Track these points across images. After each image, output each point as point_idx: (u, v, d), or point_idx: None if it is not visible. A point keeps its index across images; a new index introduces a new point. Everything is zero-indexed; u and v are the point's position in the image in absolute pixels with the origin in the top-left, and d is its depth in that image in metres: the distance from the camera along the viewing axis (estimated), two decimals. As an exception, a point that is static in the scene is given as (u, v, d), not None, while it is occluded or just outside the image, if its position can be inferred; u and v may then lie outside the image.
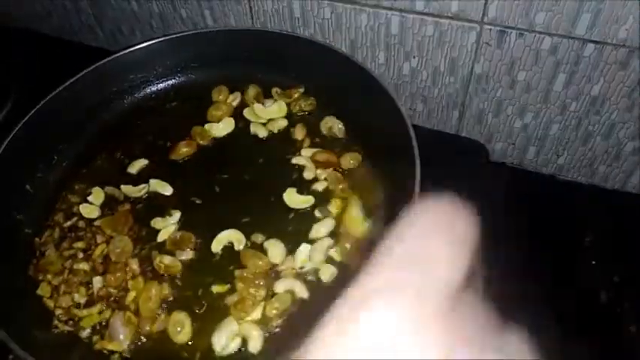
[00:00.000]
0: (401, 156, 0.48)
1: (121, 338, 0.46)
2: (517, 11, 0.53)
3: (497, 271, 0.55)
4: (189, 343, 0.46)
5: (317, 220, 0.52)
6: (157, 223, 0.53)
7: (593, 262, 0.58)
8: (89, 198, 0.56)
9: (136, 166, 0.58)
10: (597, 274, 0.57)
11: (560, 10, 0.51)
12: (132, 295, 0.48)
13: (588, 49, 0.53)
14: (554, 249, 0.59)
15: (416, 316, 0.15)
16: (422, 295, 0.15)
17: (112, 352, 0.46)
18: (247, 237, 0.51)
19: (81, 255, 0.51)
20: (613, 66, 0.54)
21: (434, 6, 0.56)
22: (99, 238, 0.52)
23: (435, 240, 0.17)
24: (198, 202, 0.55)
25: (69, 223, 0.53)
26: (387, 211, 0.51)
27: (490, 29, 0.55)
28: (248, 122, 0.61)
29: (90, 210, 0.54)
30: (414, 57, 0.62)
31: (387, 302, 0.15)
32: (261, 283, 0.48)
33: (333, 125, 0.59)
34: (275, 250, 0.50)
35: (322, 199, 0.54)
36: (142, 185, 0.56)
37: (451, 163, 0.60)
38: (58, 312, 0.47)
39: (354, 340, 0.15)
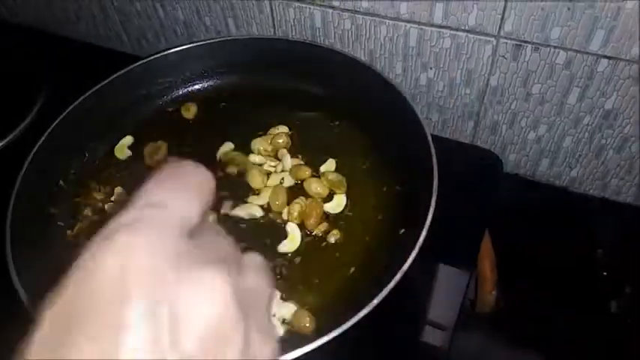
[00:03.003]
0: (418, 163, 0.50)
1: None
2: (533, 26, 0.54)
3: (510, 281, 0.57)
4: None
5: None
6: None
7: (605, 274, 0.59)
8: (113, 198, 0.58)
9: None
10: (608, 285, 0.58)
11: (575, 26, 0.53)
12: None
13: (602, 64, 0.55)
14: (565, 260, 0.59)
15: (158, 242, 0.18)
16: (163, 225, 0.19)
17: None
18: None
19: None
20: (626, 81, 0.55)
21: (452, 19, 0.58)
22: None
23: (175, 189, 0.21)
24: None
25: (97, 217, 0.55)
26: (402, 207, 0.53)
27: (506, 43, 0.57)
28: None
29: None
30: (430, 68, 0.64)
31: (133, 231, 0.18)
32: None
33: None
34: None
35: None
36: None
37: (466, 172, 0.61)
38: None
39: (103, 269, 0.17)
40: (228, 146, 0.62)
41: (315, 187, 0.56)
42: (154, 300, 0.17)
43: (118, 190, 0.58)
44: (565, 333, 0.55)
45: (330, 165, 0.59)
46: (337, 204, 0.56)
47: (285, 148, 0.61)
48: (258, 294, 0.21)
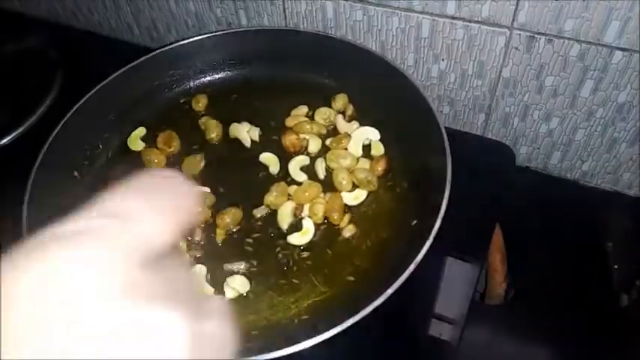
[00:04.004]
0: (431, 155, 0.50)
1: None
2: (547, 17, 0.54)
3: (521, 274, 0.57)
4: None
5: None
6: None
7: (615, 267, 0.59)
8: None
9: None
10: (619, 279, 0.58)
11: (589, 17, 0.52)
12: None
13: (616, 57, 0.54)
14: (576, 253, 0.59)
15: (104, 262, 0.15)
16: (117, 243, 0.15)
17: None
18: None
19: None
20: (641, 73, 0.54)
21: (464, 10, 0.57)
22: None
23: (145, 202, 0.17)
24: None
25: None
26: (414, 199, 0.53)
27: (519, 34, 0.57)
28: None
29: None
30: (442, 59, 0.63)
31: (73, 244, 0.15)
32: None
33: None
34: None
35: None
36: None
37: (477, 164, 0.61)
38: None
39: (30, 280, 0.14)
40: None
41: (342, 178, 0.56)
42: (100, 336, 0.14)
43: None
44: (575, 326, 0.55)
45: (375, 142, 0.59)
46: (356, 197, 0.56)
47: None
48: (217, 342, 0.18)
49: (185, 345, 0.15)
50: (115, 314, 0.14)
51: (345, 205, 0.55)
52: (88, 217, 0.16)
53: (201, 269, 0.51)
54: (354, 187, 0.57)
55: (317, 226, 0.54)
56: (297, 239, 0.53)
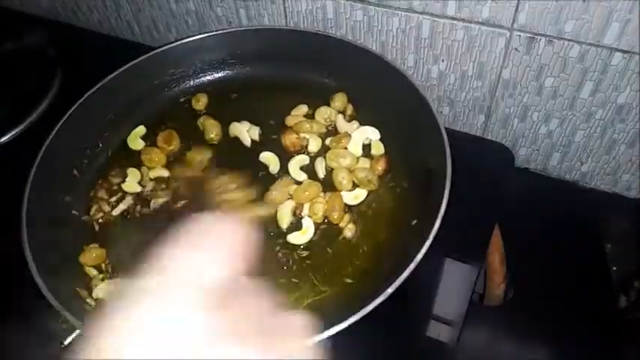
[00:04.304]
0: (431, 155, 0.50)
1: None
2: (547, 19, 0.54)
3: (520, 275, 0.57)
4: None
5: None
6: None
7: (614, 268, 0.59)
8: (127, 179, 0.59)
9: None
10: (617, 280, 0.58)
11: (589, 19, 0.52)
12: None
13: (616, 58, 0.54)
14: (575, 254, 0.59)
15: (183, 310, 0.17)
16: (183, 295, 0.18)
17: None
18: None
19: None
20: (640, 75, 0.54)
21: (465, 11, 0.57)
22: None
23: (205, 248, 0.20)
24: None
25: (114, 198, 0.57)
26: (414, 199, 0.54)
27: (519, 35, 0.57)
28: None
29: (132, 186, 0.59)
30: (442, 60, 0.63)
31: (158, 300, 0.18)
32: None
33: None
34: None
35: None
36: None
37: (476, 165, 0.61)
38: None
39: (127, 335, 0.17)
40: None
41: (342, 177, 0.56)
42: None
43: (130, 170, 0.59)
44: (573, 327, 0.55)
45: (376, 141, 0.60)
46: (356, 196, 0.56)
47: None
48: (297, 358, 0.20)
49: None
50: (198, 352, 0.17)
51: (345, 204, 0.55)
52: (162, 269, 0.19)
53: None
54: (354, 186, 0.57)
55: (317, 225, 0.54)
56: (296, 238, 0.53)
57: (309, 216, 0.55)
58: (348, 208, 0.55)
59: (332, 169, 0.58)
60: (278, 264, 0.52)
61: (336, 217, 0.54)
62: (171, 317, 0.17)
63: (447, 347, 0.52)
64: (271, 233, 0.54)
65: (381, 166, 0.57)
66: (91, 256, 0.52)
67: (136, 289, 0.18)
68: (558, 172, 0.68)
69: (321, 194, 0.56)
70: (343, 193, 0.56)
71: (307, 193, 0.55)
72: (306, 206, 0.55)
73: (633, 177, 0.64)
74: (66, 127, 0.56)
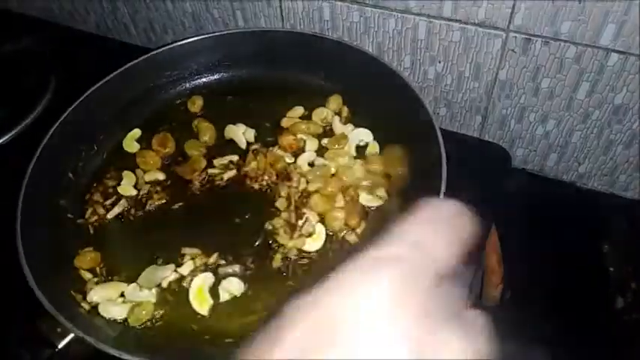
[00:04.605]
0: (427, 156, 0.50)
1: None
2: (543, 20, 0.54)
3: (517, 275, 0.57)
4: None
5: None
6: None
7: (611, 269, 0.59)
8: (122, 182, 0.59)
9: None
10: (614, 281, 0.58)
11: (585, 20, 0.52)
12: None
13: (612, 59, 0.54)
14: (572, 255, 0.59)
15: (405, 284, 0.18)
16: (418, 270, 0.19)
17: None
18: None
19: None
20: (636, 76, 0.54)
21: (461, 13, 0.57)
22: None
23: (435, 229, 0.20)
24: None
25: (109, 201, 0.57)
26: (410, 200, 0.53)
27: (516, 37, 0.57)
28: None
29: (127, 189, 0.58)
30: (439, 61, 0.63)
31: (386, 269, 0.19)
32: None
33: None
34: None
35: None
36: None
37: (473, 166, 0.61)
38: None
39: (351, 299, 0.18)
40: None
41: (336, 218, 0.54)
42: (402, 350, 0.17)
43: (125, 173, 0.59)
44: (571, 328, 0.55)
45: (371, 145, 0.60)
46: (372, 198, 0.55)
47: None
48: (484, 356, 0.20)
49: None
50: (404, 334, 0.17)
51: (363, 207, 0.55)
52: (398, 244, 0.19)
53: (206, 278, 0.51)
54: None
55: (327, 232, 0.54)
56: (308, 245, 0.53)
57: (327, 228, 0.54)
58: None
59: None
60: (278, 271, 0.52)
61: (355, 222, 0.53)
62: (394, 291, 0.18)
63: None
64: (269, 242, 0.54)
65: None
66: (86, 259, 0.52)
67: (369, 256, 0.19)
68: (555, 172, 0.68)
69: (340, 206, 0.54)
70: (362, 198, 0.55)
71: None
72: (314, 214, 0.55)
73: (630, 177, 0.64)
74: (62, 130, 0.56)
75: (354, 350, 0.17)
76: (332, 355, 0.17)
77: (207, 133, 0.62)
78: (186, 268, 0.52)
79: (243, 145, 0.61)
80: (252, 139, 0.62)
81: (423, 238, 0.20)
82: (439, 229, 0.20)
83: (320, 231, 0.54)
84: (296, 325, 0.18)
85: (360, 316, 0.18)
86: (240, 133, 0.62)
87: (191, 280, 0.51)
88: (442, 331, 0.18)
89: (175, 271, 0.51)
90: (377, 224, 0.54)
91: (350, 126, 0.61)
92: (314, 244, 0.53)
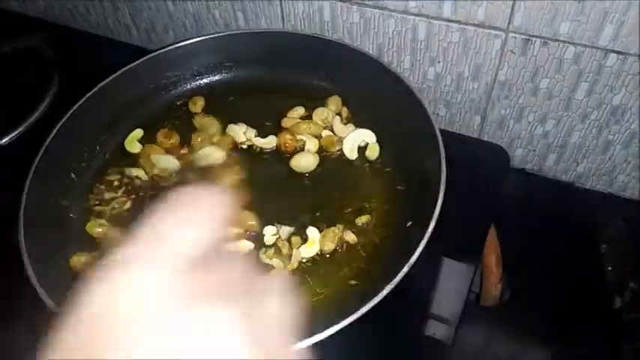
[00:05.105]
0: (427, 157, 0.50)
1: None
2: (542, 20, 0.54)
3: (516, 275, 0.57)
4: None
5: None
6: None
7: (609, 269, 0.59)
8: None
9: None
10: (613, 281, 0.58)
11: (584, 20, 0.53)
12: None
13: (611, 59, 0.54)
14: (570, 255, 0.60)
15: (155, 281, 0.18)
16: (163, 261, 0.19)
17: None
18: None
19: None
20: (635, 76, 0.55)
21: (460, 13, 0.58)
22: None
23: (181, 216, 0.21)
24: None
25: (108, 208, 0.57)
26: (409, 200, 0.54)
27: (515, 37, 0.57)
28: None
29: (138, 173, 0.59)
30: (438, 62, 0.64)
31: (127, 271, 0.18)
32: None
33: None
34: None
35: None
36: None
37: (473, 166, 0.62)
38: None
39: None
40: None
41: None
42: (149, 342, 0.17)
43: (128, 171, 0.60)
44: (569, 327, 0.55)
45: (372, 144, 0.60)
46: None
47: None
48: (278, 319, 0.20)
49: (243, 331, 0.17)
50: (175, 316, 0.17)
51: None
52: (138, 241, 0.19)
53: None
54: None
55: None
56: (305, 251, 0.53)
57: (319, 244, 0.53)
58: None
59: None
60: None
61: (352, 237, 0.53)
62: (146, 283, 0.18)
63: (443, 345, 0.52)
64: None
65: None
66: (80, 261, 0.52)
67: (111, 260, 0.18)
68: (554, 172, 0.69)
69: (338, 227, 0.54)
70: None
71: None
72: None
73: (629, 177, 0.65)
74: (63, 130, 0.57)
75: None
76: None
77: (212, 126, 0.63)
78: None
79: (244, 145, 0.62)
80: (252, 137, 0.62)
81: (167, 227, 0.20)
82: (186, 215, 0.20)
83: (314, 236, 0.53)
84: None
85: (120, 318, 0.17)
86: (241, 133, 0.62)
87: None
88: (202, 307, 0.18)
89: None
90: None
91: (351, 126, 0.62)
92: (310, 250, 0.53)
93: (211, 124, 0.63)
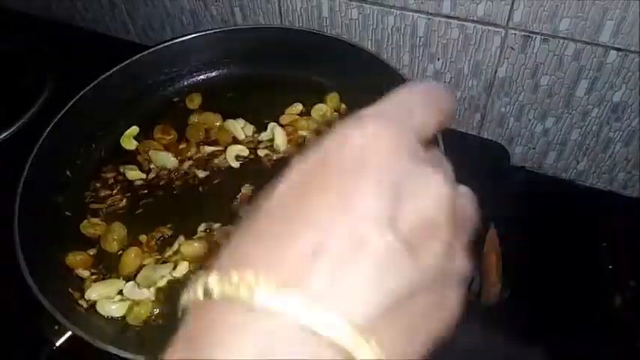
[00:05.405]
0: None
1: None
2: (542, 17, 0.54)
3: (516, 273, 0.57)
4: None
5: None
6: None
7: (610, 267, 0.59)
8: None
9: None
10: (613, 279, 0.58)
11: (584, 17, 0.52)
12: None
13: (611, 56, 0.54)
14: (570, 253, 0.59)
15: (400, 135, 0.20)
16: (405, 125, 0.21)
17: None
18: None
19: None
20: (635, 73, 0.54)
21: (460, 10, 0.57)
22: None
23: (420, 100, 0.22)
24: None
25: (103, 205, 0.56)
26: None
27: (515, 34, 0.57)
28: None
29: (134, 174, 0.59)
30: (438, 59, 0.63)
31: (380, 121, 0.20)
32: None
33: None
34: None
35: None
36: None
37: (472, 164, 0.61)
38: None
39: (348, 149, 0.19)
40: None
41: None
42: (387, 180, 0.19)
43: (124, 168, 0.59)
44: (569, 326, 0.55)
45: None
46: None
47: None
48: (465, 219, 0.22)
49: (450, 204, 0.20)
50: (406, 168, 0.19)
51: None
52: (387, 103, 0.21)
53: None
54: None
55: None
56: None
57: None
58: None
59: None
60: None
61: None
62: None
63: (442, 344, 0.51)
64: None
65: None
66: (76, 259, 0.52)
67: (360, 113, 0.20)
68: (554, 170, 0.68)
69: None
70: None
71: None
72: None
73: (629, 175, 0.64)
74: (59, 127, 0.56)
75: (344, 191, 0.18)
76: (322, 200, 0.18)
77: (209, 123, 0.62)
78: (183, 268, 0.51)
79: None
80: (250, 134, 0.62)
81: (410, 104, 0.22)
82: (424, 101, 0.22)
83: None
84: (285, 178, 0.19)
85: (345, 157, 0.19)
86: (240, 128, 0.62)
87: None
88: (432, 171, 0.20)
89: (173, 269, 0.51)
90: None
91: None
92: None
93: (208, 121, 0.62)
